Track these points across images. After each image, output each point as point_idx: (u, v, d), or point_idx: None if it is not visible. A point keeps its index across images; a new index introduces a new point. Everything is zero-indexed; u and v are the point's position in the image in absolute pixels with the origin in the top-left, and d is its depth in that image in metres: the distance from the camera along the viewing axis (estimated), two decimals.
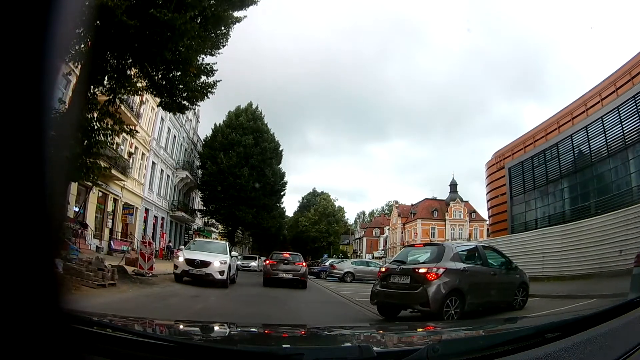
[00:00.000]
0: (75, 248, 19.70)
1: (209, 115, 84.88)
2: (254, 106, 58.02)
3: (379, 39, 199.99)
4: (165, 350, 1.75)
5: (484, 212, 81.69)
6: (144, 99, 39.62)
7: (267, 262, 26.54)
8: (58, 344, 1.10)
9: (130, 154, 37.85)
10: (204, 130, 59.14)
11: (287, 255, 26.43)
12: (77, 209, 28.99)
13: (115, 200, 37.10)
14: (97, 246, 31.35)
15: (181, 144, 55.83)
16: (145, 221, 44.73)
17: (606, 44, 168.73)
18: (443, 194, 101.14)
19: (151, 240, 22.23)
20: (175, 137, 52.79)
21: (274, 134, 58.24)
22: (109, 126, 16.27)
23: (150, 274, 19.49)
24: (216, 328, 3.35)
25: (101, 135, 15.86)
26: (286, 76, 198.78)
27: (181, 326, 3.31)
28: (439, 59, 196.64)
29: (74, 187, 27.79)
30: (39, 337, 1.04)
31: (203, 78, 17.92)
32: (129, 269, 19.57)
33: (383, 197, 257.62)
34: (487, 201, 57.99)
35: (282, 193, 61.06)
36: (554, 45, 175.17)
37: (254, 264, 46.71)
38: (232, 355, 1.91)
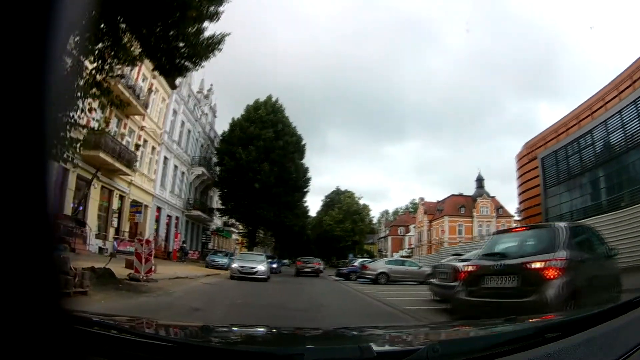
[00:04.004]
0: (60, 248, 16.20)
1: (226, 114, 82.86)
2: (273, 99, 54.85)
3: (393, 40, 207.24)
4: (165, 351, 1.74)
5: (509, 208, 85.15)
6: (153, 87, 37.10)
7: (298, 263, 45.53)
8: (59, 345, 1.07)
9: (137, 146, 34.83)
10: (222, 127, 56.49)
11: (308, 258, 46.36)
12: (74, 205, 26.06)
13: (121, 197, 34.20)
14: (100, 247, 28.47)
15: (197, 139, 53.24)
16: (157, 220, 41.74)
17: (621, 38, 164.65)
18: (463, 191, 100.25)
19: (149, 239, 18.71)
20: (189, 131, 50.28)
21: (295, 127, 55.05)
22: (91, 92, 13.38)
23: (147, 279, 16.11)
24: (216, 328, 3.13)
25: (80, 102, 12.58)
26: (304, 78, 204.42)
27: (182, 327, 3.13)
28: (451, 59, 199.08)
29: (72, 180, 25.69)
30: (41, 338, 1.01)
31: (207, 31, 15.15)
32: (126, 272, 16.37)
33: (403, 197, 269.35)
34: (519, 195, 55.41)
35: (305, 190, 57.47)
36: (567, 40, 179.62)
37: (260, 268, 27.05)
38: (232, 355, 1.93)
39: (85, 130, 14.57)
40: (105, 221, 31.61)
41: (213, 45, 15.26)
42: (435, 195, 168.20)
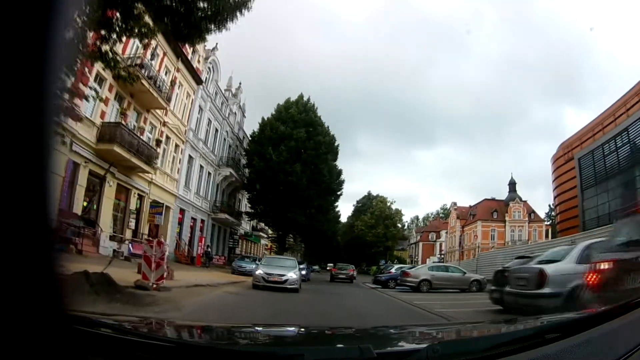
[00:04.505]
0: (60, 247, 13.82)
1: (255, 115, 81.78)
2: (305, 98, 52.71)
3: (423, 45, 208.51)
4: (165, 351, 1.72)
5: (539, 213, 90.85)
6: (177, 81, 34.95)
7: (333, 269, 47.20)
8: (60, 345, 1.07)
9: (158, 142, 32.37)
10: (251, 128, 54.90)
11: (343, 265, 47.99)
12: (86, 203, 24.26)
13: (140, 197, 31.75)
14: (114, 250, 25.46)
15: (224, 139, 51.13)
16: (181, 223, 39.47)
17: None
18: (492, 196, 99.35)
19: (162, 240, 15.97)
20: (217, 130, 48.22)
21: (328, 127, 52.64)
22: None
23: (157, 287, 13.52)
24: (217, 329, 3.09)
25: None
26: (334, 82, 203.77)
27: (182, 327, 3.04)
28: (481, 64, 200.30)
29: (82, 176, 23.48)
30: (41, 338, 1.00)
31: None
32: (135, 278, 14.00)
33: (432, 203, 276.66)
34: (555, 197, 55.76)
35: (338, 193, 54.88)
36: (594, 42, 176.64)
37: (291, 276, 21.77)
38: (232, 355, 1.90)
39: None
40: (121, 222, 29.27)
41: (240, 3, 13.01)
42: (464, 200, 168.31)
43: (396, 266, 41.91)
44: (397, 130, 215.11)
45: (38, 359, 0.99)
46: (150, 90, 27.95)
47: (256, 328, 3.41)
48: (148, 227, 32.70)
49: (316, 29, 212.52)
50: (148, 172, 30.04)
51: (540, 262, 12.04)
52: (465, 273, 29.55)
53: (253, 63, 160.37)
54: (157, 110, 32.16)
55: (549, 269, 10.63)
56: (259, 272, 22.16)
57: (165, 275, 14.48)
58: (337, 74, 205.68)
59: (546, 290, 10.09)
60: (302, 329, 3.45)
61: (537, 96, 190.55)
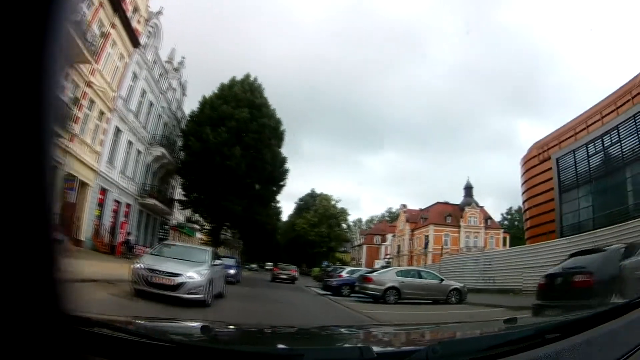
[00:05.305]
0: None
1: (197, 95, 76.99)
2: (252, 78, 47.98)
3: (376, 48, 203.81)
4: (165, 351, 1.75)
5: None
6: (110, 38, 29.81)
7: (274, 269, 46.93)
8: (59, 345, 1.07)
9: (76, 102, 26.61)
10: (191, 109, 49.78)
11: (284, 265, 48.42)
12: None
13: (52, 168, 25.56)
14: None
15: (160, 115, 46.43)
16: (101, 205, 34.09)
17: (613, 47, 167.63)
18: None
19: None
20: (152, 104, 43.42)
21: (275, 110, 47.98)
22: None
23: None
24: (216, 329, 2.99)
25: None
26: (280, 79, 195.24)
27: (182, 327, 3.24)
28: (437, 71, 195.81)
29: None
30: (41, 338, 1.00)
31: None
32: None
33: (376, 207, 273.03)
34: (524, 202, 53.91)
35: (281, 183, 50.02)
36: (556, 54, 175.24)
37: (192, 277, 12.79)
38: (232, 355, 1.94)
39: None
40: None
41: None
42: (411, 205, 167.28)
43: (348, 268, 36.09)
44: (342, 131, 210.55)
45: (38, 359, 0.99)
46: (73, 36, 22.43)
47: (256, 328, 3.53)
48: (60, 206, 26.82)
49: (267, 20, 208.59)
50: (60, 136, 24.23)
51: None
52: (442, 280, 24.51)
53: (198, 44, 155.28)
54: (81, 66, 26.48)
55: None
56: (138, 266, 13.23)
57: None
58: (284, 68, 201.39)
59: None
60: (302, 329, 3.71)
61: (492, 106, 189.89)
